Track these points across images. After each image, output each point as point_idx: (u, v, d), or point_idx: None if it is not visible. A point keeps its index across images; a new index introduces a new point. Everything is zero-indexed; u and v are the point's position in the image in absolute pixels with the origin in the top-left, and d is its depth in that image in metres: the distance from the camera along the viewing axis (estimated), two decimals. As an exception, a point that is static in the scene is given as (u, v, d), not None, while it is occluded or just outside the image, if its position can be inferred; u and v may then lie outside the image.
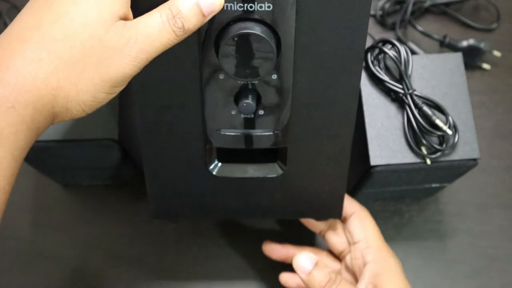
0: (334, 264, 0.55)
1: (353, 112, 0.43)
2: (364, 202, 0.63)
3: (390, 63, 0.52)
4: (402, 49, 0.51)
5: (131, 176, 0.60)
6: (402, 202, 0.64)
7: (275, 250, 0.56)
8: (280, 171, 0.47)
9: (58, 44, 0.30)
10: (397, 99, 0.51)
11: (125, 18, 0.32)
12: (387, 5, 0.69)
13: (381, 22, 0.70)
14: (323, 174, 0.47)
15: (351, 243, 0.52)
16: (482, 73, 0.69)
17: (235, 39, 0.35)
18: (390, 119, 0.51)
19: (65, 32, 0.30)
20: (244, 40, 0.35)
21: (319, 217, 0.52)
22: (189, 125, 0.43)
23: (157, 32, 0.31)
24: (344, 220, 0.53)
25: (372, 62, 0.51)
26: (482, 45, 0.67)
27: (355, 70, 0.40)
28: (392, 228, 0.62)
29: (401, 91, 0.50)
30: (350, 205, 0.53)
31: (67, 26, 0.30)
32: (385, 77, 0.51)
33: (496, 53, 0.68)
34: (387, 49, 0.51)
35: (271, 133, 0.43)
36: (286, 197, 0.49)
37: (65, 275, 0.60)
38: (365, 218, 0.52)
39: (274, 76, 0.39)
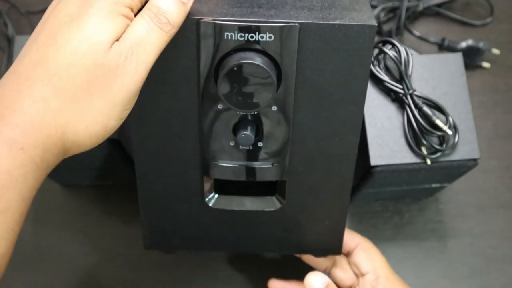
0: None
1: (355, 147, 0.41)
2: (364, 202, 0.63)
3: (390, 63, 0.52)
4: (402, 49, 0.51)
5: (131, 176, 0.60)
6: (402, 202, 0.64)
7: (285, 286, 0.55)
8: (278, 205, 0.45)
9: (63, 76, 0.30)
10: (397, 99, 0.51)
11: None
12: (382, 14, 0.69)
13: (378, 31, 0.70)
14: (322, 209, 0.46)
15: (358, 275, 0.51)
16: (482, 73, 0.69)
17: (235, 69, 0.35)
18: (390, 119, 0.51)
19: (69, 62, 0.30)
20: (244, 70, 0.35)
21: (318, 253, 0.50)
22: (186, 155, 0.42)
23: (145, 35, 0.31)
24: (348, 254, 0.52)
25: (372, 62, 0.51)
26: (481, 44, 0.67)
27: (357, 104, 0.39)
28: (392, 228, 0.62)
29: (401, 91, 0.50)
30: (352, 238, 0.52)
31: (70, 55, 0.30)
32: (385, 77, 0.51)
33: (495, 51, 0.68)
34: (387, 49, 0.51)
35: (270, 165, 0.42)
36: (284, 232, 0.48)
37: (64, 274, 0.60)
38: (370, 249, 0.51)
39: (274, 108, 0.38)
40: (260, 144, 0.41)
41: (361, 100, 0.39)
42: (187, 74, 0.37)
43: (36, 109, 0.30)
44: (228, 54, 0.35)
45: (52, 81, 0.30)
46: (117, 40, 0.31)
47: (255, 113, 0.39)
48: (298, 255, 0.55)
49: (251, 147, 0.41)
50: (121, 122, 0.33)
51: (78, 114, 0.31)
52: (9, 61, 0.67)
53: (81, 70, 0.30)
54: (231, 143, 0.41)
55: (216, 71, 0.36)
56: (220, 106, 0.39)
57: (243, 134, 0.38)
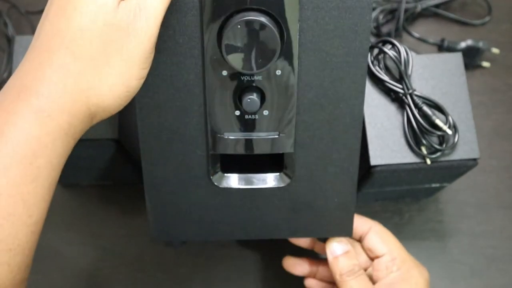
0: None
1: (360, 113, 0.41)
2: (364, 202, 0.63)
3: (390, 63, 0.52)
4: (402, 49, 0.51)
5: (131, 176, 0.60)
6: (402, 202, 0.64)
7: (297, 265, 0.54)
8: (286, 181, 0.45)
9: (78, 42, 0.31)
10: (397, 99, 0.51)
11: None
12: (380, 16, 0.69)
13: (377, 33, 0.70)
14: (331, 184, 0.45)
15: (373, 259, 0.50)
16: (482, 73, 0.69)
17: (239, 26, 0.35)
18: (390, 119, 0.51)
19: (81, 27, 0.31)
20: (248, 27, 0.35)
21: (329, 234, 0.49)
22: (191, 130, 0.42)
23: None
24: (361, 240, 0.51)
25: (372, 62, 0.51)
26: (480, 44, 0.67)
27: (360, 67, 0.39)
28: (392, 228, 0.62)
29: (401, 91, 0.50)
30: (363, 222, 0.51)
31: (81, 21, 0.31)
32: (385, 77, 0.51)
33: (495, 51, 0.68)
34: (387, 49, 0.51)
35: (277, 136, 0.42)
36: (293, 213, 0.47)
37: (64, 274, 0.60)
38: (383, 232, 0.50)
39: (278, 72, 0.38)
40: (265, 112, 0.41)
41: (364, 61, 0.39)
42: (190, 41, 0.37)
43: (57, 76, 0.31)
44: (231, 15, 0.36)
45: (69, 47, 0.31)
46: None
47: (260, 78, 0.39)
48: (311, 248, 0.54)
49: (256, 116, 0.41)
50: (142, 81, 0.33)
51: (99, 77, 0.32)
52: (9, 61, 0.67)
53: (94, 33, 0.31)
54: (237, 113, 0.41)
55: (220, 34, 0.36)
56: (224, 73, 0.38)
57: (249, 98, 0.38)
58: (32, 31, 0.69)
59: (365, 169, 0.51)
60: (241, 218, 0.47)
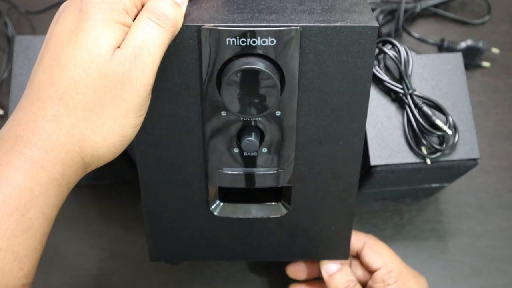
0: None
1: (359, 151, 0.41)
2: (364, 202, 0.63)
3: (390, 63, 0.52)
4: (402, 49, 0.51)
5: (130, 176, 0.60)
6: (402, 202, 0.64)
7: (301, 270, 0.54)
8: (284, 211, 0.45)
9: (72, 94, 0.30)
10: (397, 99, 0.51)
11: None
12: (380, 17, 0.69)
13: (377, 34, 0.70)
14: (328, 214, 0.45)
15: (371, 271, 0.51)
16: (482, 73, 0.69)
17: (238, 74, 0.34)
18: (390, 119, 0.51)
19: (75, 79, 0.30)
20: (247, 75, 0.34)
21: (327, 257, 0.50)
22: (190, 164, 0.42)
23: (146, 36, 0.31)
24: (357, 256, 0.52)
25: (372, 62, 0.51)
26: (480, 44, 0.67)
27: (361, 107, 0.39)
28: (392, 228, 0.62)
29: (401, 91, 0.50)
30: (357, 238, 0.52)
31: (75, 72, 0.30)
32: (385, 77, 0.51)
33: (495, 50, 0.68)
34: (387, 49, 0.51)
35: (275, 171, 0.42)
36: (290, 238, 0.47)
37: (64, 274, 0.60)
38: (377, 245, 0.51)
39: (278, 113, 0.38)
40: (264, 150, 0.41)
41: (365, 102, 0.39)
42: (189, 81, 0.37)
43: (50, 127, 0.30)
44: (230, 60, 0.35)
45: (62, 99, 0.30)
46: (119, 47, 0.31)
47: (259, 118, 0.39)
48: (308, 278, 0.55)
49: (255, 153, 0.41)
50: (137, 129, 0.33)
51: (93, 127, 0.31)
52: (9, 61, 0.67)
53: (88, 84, 0.30)
54: (235, 150, 0.41)
55: (219, 77, 0.36)
56: (223, 113, 0.38)
57: (248, 140, 0.38)
58: (32, 31, 0.69)
59: (365, 169, 0.51)
60: (239, 243, 0.48)
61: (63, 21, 0.32)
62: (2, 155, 0.30)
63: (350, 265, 0.53)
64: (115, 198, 0.64)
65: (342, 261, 0.50)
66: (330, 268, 0.50)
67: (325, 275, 0.50)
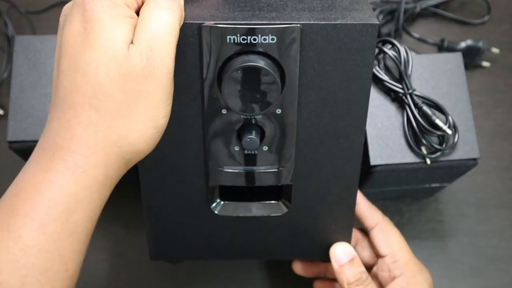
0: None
1: (360, 149, 0.41)
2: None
3: (390, 63, 0.52)
4: (402, 49, 0.51)
5: (131, 176, 0.60)
6: (402, 202, 0.64)
7: (307, 266, 0.54)
8: (285, 210, 0.45)
9: (99, 98, 0.31)
10: (397, 99, 0.51)
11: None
12: (380, 17, 0.69)
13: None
14: (329, 213, 0.45)
15: (377, 255, 0.50)
16: (482, 73, 0.69)
17: (239, 72, 0.34)
18: (390, 119, 0.51)
19: (99, 82, 0.30)
20: (248, 73, 0.34)
21: (326, 257, 0.49)
22: (190, 162, 0.42)
23: (157, 23, 0.31)
24: (367, 232, 0.51)
25: (372, 62, 0.52)
26: (480, 44, 0.67)
27: (361, 105, 0.39)
28: (392, 228, 0.62)
29: (401, 91, 0.50)
30: (372, 215, 0.50)
31: (96, 76, 0.30)
32: (385, 77, 0.51)
33: (495, 50, 0.68)
34: (387, 49, 0.51)
35: (275, 169, 0.42)
36: (291, 237, 0.47)
37: (65, 275, 0.60)
38: (389, 230, 0.49)
39: (279, 111, 0.38)
40: (265, 148, 0.41)
41: (365, 100, 0.39)
42: (189, 79, 0.37)
43: (87, 134, 0.31)
44: (231, 57, 0.35)
45: (92, 104, 0.31)
46: (132, 42, 0.31)
47: (260, 116, 0.39)
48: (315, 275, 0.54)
49: (256, 152, 0.41)
50: (168, 118, 0.33)
51: (127, 126, 0.31)
52: (9, 61, 0.67)
53: (112, 85, 0.30)
54: (236, 148, 0.41)
55: (219, 75, 0.36)
56: (224, 111, 0.38)
57: (248, 138, 0.38)
58: (32, 31, 0.69)
59: (365, 169, 0.51)
60: (240, 241, 0.48)
61: (70, 24, 0.31)
62: (44, 163, 0.31)
63: (356, 244, 0.51)
64: (114, 198, 0.63)
65: (352, 248, 0.48)
66: (340, 257, 0.47)
67: (335, 264, 0.47)
